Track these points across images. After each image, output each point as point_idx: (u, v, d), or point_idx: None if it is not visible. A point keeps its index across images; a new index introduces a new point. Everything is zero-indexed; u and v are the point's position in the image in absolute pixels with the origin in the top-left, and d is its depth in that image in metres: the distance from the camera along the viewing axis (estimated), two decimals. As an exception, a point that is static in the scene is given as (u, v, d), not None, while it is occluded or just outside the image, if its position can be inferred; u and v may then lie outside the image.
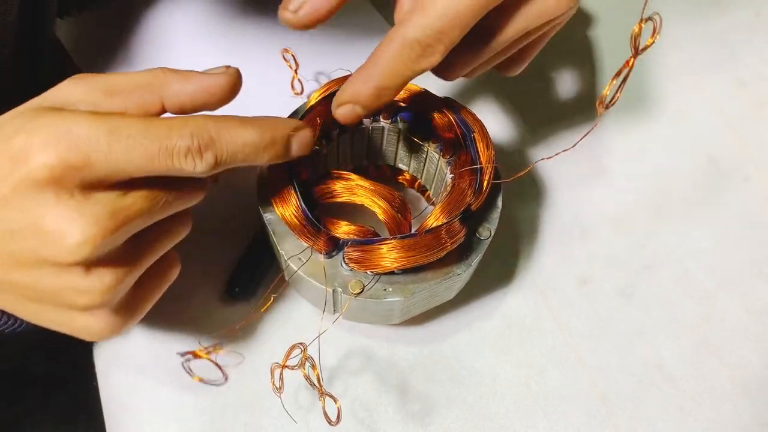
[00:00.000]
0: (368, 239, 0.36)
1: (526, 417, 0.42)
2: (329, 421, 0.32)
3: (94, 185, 0.28)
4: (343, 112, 0.34)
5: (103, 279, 0.29)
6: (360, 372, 0.43)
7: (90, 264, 0.29)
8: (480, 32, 0.33)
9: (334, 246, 0.36)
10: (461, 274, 0.38)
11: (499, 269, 0.47)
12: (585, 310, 0.46)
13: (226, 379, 0.30)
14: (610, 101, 0.26)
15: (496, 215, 0.39)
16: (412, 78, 0.32)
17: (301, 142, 0.33)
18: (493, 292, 0.46)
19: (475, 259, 0.38)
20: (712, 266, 0.48)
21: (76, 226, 0.27)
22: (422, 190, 0.47)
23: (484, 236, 0.38)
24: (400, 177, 0.47)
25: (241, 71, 0.33)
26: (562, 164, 0.51)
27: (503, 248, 0.47)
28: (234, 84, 0.32)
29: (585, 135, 0.29)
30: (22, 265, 0.29)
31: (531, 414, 0.43)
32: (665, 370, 0.44)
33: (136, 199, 0.29)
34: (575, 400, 0.43)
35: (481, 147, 0.38)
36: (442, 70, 0.36)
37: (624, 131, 0.53)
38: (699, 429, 0.42)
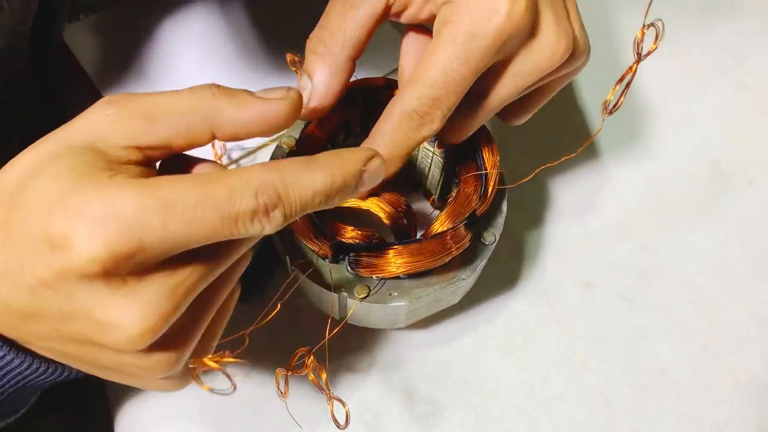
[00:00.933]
0: (374, 244, 0.36)
1: (529, 419, 0.43)
2: (338, 425, 0.33)
3: (148, 267, 0.25)
4: None
5: (167, 355, 0.27)
6: (365, 375, 0.43)
7: (151, 346, 0.26)
8: (475, 94, 0.33)
9: (340, 251, 0.37)
10: (466, 279, 0.38)
11: (503, 274, 0.47)
12: (588, 314, 0.46)
13: (235, 388, 0.30)
14: (614, 106, 0.27)
15: (500, 220, 0.40)
16: (415, 147, 0.33)
17: (373, 174, 0.29)
18: (497, 297, 0.47)
19: (480, 264, 0.38)
20: (715, 270, 0.48)
21: (132, 317, 0.24)
22: (427, 194, 0.47)
23: (489, 241, 0.39)
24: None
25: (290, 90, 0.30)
26: (567, 170, 0.51)
27: (508, 253, 0.47)
28: (294, 111, 0.29)
29: (589, 141, 0.30)
30: (79, 344, 0.26)
31: (534, 416, 0.43)
32: (667, 373, 0.44)
33: (193, 269, 0.26)
34: (578, 403, 0.43)
35: (486, 153, 0.39)
36: (444, 136, 0.36)
37: (628, 136, 0.53)
38: (702, 433, 0.43)
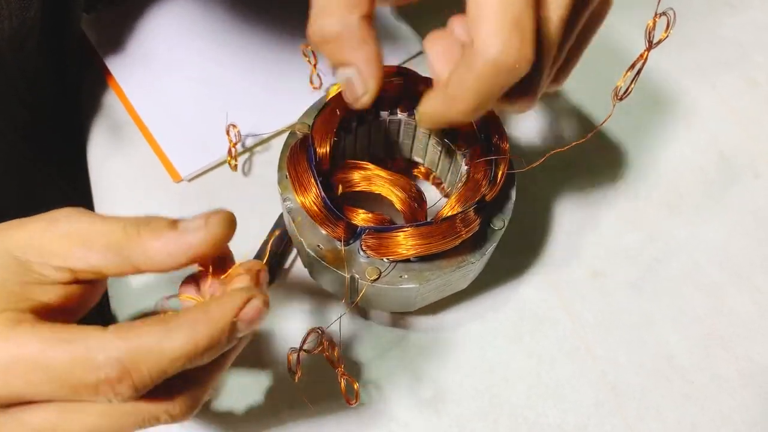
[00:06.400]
0: (385, 227, 0.37)
1: (536, 405, 0.43)
2: (348, 401, 0.33)
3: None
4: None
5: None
6: (374, 358, 0.44)
7: None
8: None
9: (352, 233, 0.37)
10: (475, 263, 0.39)
11: (511, 261, 0.48)
12: (596, 302, 0.47)
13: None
14: (624, 93, 0.27)
15: (509, 206, 0.40)
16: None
17: (250, 320, 0.28)
18: (505, 284, 0.47)
19: (489, 249, 0.39)
20: (722, 260, 0.49)
21: None
22: (437, 183, 0.48)
23: (498, 226, 0.39)
24: (415, 170, 0.48)
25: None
26: (576, 160, 0.52)
27: (516, 240, 0.48)
28: (220, 236, 0.29)
29: (598, 127, 0.30)
30: None
31: (541, 402, 0.43)
32: (674, 361, 0.45)
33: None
34: (585, 390, 0.44)
35: (495, 139, 0.39)
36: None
37: (637, 128, 0.54)
38: (706, 419, 0.43)
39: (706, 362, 0.45)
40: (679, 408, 0.44)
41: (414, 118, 0.43)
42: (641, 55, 0.27)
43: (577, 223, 0.50)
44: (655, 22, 0.26)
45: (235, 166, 0.49)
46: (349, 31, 0.29)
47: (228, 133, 0.48)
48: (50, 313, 0.28)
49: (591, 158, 0.52)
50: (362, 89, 0.31)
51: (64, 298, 0.29)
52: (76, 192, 0.53)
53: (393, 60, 0.54)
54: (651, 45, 0.26)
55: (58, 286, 0.29)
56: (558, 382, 0.44)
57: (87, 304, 0.31)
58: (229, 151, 0.48)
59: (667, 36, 0.26)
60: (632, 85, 0.27)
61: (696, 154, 0.53)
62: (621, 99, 0.28)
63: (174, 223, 0.29)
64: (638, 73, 0.27)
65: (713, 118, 0.55)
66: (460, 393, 0.44)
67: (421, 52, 0.56)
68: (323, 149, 0.39)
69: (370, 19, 0.30)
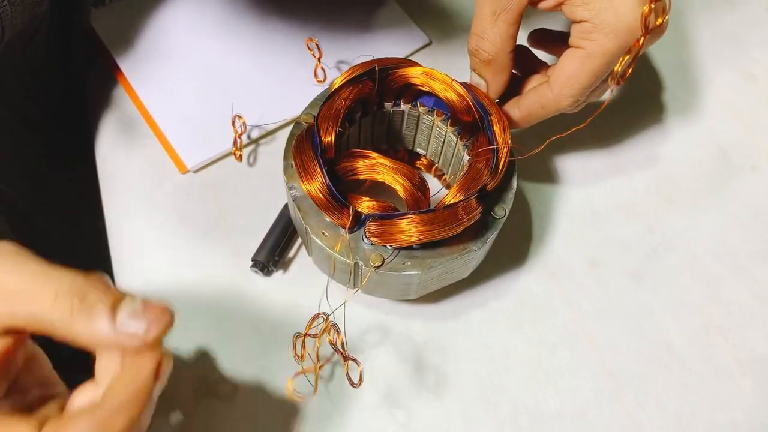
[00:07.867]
0: (389, 214, 0.38)
1: (536, 392, 0.44)
2: (352, 383, 0.34)
3: None
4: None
5: None
6: (377, 346, 0.45)
7: None
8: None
9: (356, 221, 0.38)
10: (476, 251, 0.39)
11: (512, 251, 0.48)
12: (595, 291, 0.48)
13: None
14: (621, 77, 0.28)
15: (510, 196, 0.41)
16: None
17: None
18: (506, 273, 0.48)
19: (490, 237, 0.40)
20: (720, 251, 0.49)
21: None
22: (439, 174, 0.49)
23: (499, 215, 0.40)
24: (417, 162, 0.49)
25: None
26: (576, 152, 0.52)
27: (517, 230, 0.49)
28: (146, 349, 0.27)
29: (597, 112, 0.31)
30: None
31: (541, 389, 0.44)
32: (672, 349, 0.46)
33: None
34: (584, 377, 0.45)
35: (497, 129, 0.40)
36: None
37: (636, 121, 0.54)
38: (704, 406, 0.44)
39: (704, 351, 0.46)
40: (678, 396, 0.44)
41: (417, 109, 0.44)
42: (637, 41, 0.28)
43: (576, 214, 0.50)
44: (650, 9, 0.27)
45: (240, 157, 0.50)
46: (497, 60, 0.40)
47: (233, 123, 0.49)
48: None
49: (590, 150, 0.53)
50: (484, 92, 0.42)
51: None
52: (83, 184, 0.54)
53: (398, 53, 0.55)
54: (647, 30, 0.27)
55: None
56: (558, 370, 0.45)
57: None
58: (235, 142, 0.49)
59: (662, 22, 0.27)
60: (629, 70, 0.28)
61: (694, 148, 0.54)
62: (618, 83, 0.28)
63: (114, 308, 0.27)
64: (635, 57, 0.28)
65: (711, 113, 0.56)
66: (462, 380, 0.44)
67: (424, 46, 0.56)
68: (328, 138, 0.39)
69: (513, 53, 0.40)
